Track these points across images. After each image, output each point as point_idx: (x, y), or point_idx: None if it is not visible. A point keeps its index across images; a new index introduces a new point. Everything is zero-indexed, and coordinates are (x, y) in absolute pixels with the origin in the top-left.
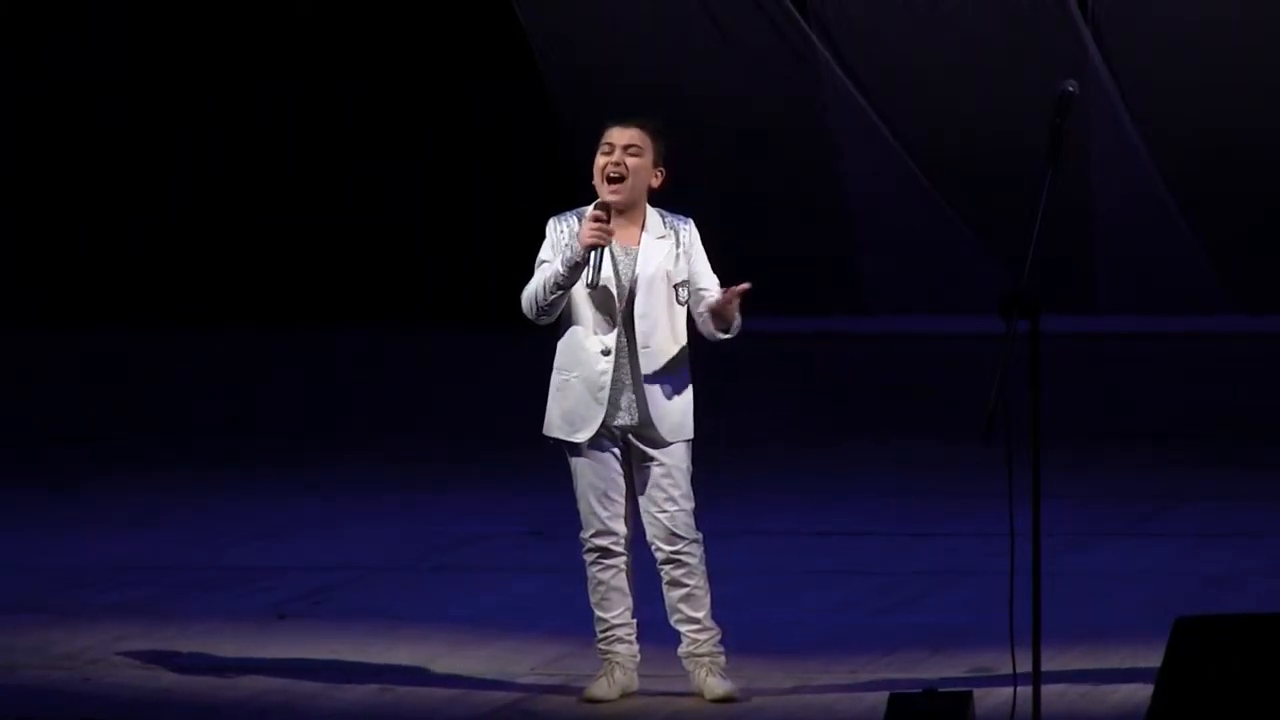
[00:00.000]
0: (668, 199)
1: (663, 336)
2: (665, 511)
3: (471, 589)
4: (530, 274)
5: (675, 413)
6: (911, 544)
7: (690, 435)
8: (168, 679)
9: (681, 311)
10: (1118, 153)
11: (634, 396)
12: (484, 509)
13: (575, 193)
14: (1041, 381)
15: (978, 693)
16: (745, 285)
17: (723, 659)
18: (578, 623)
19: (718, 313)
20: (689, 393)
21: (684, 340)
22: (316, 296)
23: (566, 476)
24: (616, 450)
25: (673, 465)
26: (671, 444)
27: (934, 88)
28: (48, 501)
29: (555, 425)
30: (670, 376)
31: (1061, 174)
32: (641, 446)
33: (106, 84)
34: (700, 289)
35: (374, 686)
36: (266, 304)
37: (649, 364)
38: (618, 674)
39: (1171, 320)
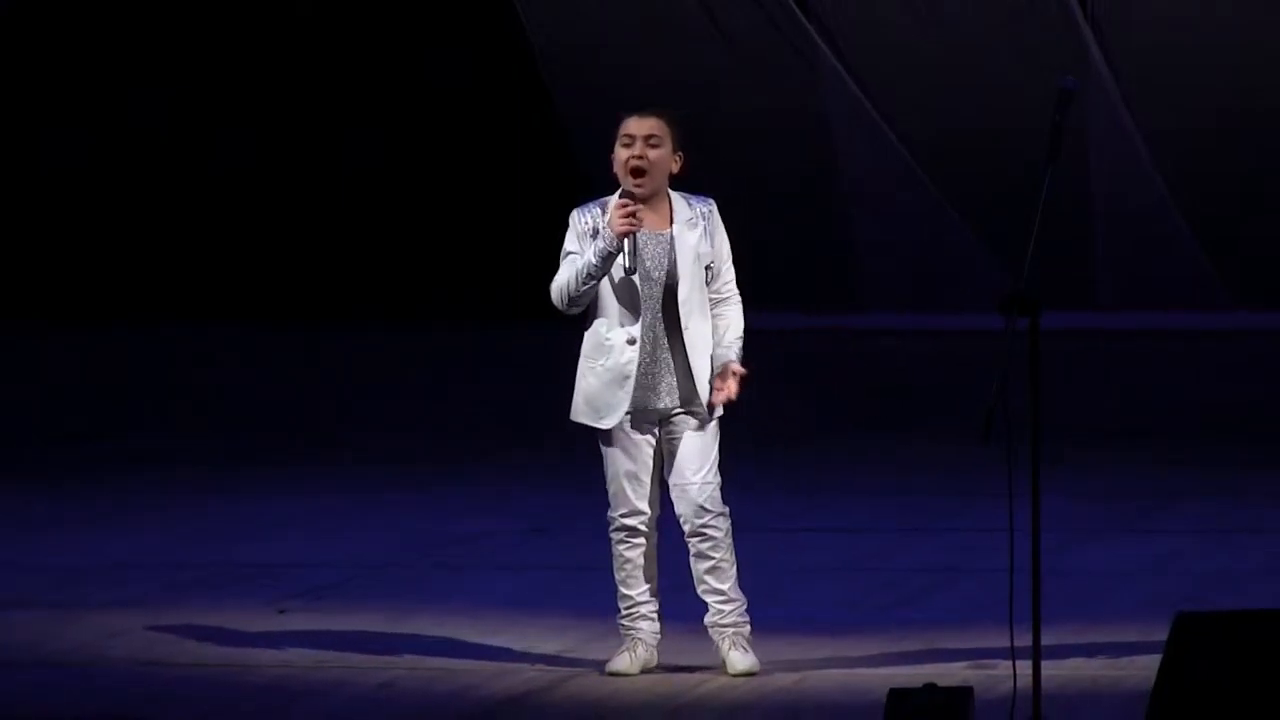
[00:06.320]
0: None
1: (699, 317)
2: (693, 484)
3: (473, 585)
4: (546, 266)
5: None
6: (911, 541)
7: (721, 410)
8: (167, 675)
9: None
10: (1117, 149)
11: (674, 380)
12: (485, 506)
13: (575, 191)
14: (1040, 379)
15: (977, 688)
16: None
17: (747, 629)
18: (580, 617)
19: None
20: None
21: (710, 318)
22: (313, 295)
23: (594, 459)
24: (653, 434)
25: (705, 440)
26: (711, 419)
27: (933, 84)
28: (45, 499)
29: (581, 411)
30: (706, 355)
31: (1061, 170)
32: (677, 424)
33: (102, 80)
34: (724, 269)
35: (375, 682)
36: (264, 302)
37: (692, 344)
38: (639, 650)
39: (1171, 316)
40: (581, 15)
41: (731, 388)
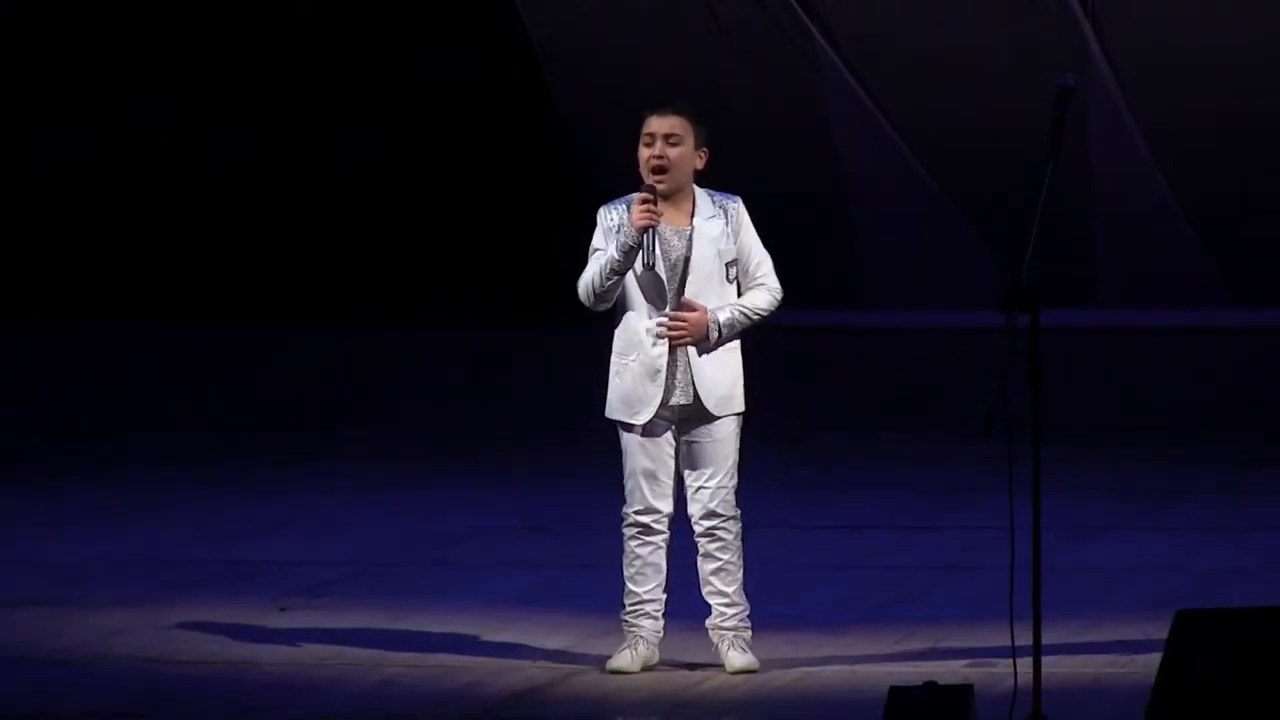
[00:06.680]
0: None
1: None
2: (706, 488)
3: (473, 583)
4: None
5: (722, 387)
6: (911, 538)
7: (739, 409)
8: (168, 673)
9: (732, 289)
10: (1118, 148)
11: (690, 376)
12: (485, 505)
13: (575, 191)
14: (1041, 376)
15: (978, 686)
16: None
17: (748, 634)
18: (581, 615)
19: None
20: (739, 367)
21: None
22: (313, 294)
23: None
24: (671, 430)
25: (720, 441)
26: (720, 419)
27: (933, 84)
28: (47, 497)
29: (616, 409)
30: (720, 353)
31: (1061, 169)
32: (693, 423)
33: (102, 80)
34: (753, 264)
35: (376, 679)
36: (264, 302)
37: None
38: (641, 647)
39: (1171, 314)
40: (581, 15)
41: (678, 316)
